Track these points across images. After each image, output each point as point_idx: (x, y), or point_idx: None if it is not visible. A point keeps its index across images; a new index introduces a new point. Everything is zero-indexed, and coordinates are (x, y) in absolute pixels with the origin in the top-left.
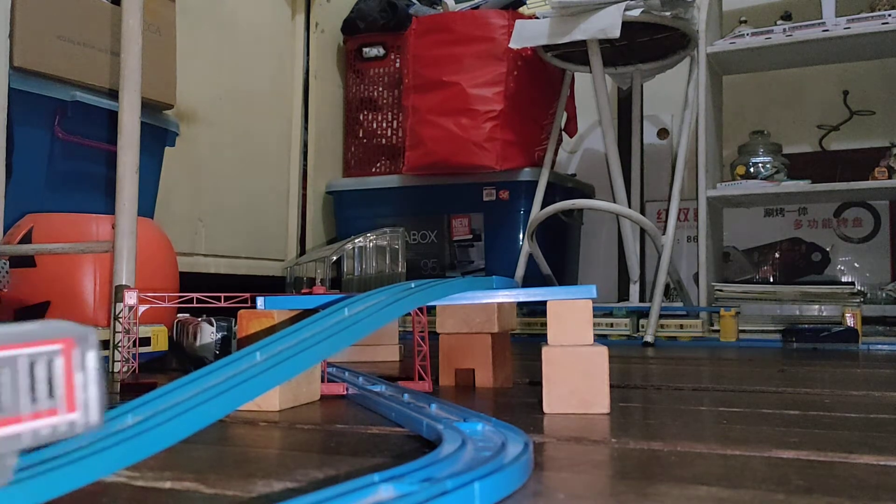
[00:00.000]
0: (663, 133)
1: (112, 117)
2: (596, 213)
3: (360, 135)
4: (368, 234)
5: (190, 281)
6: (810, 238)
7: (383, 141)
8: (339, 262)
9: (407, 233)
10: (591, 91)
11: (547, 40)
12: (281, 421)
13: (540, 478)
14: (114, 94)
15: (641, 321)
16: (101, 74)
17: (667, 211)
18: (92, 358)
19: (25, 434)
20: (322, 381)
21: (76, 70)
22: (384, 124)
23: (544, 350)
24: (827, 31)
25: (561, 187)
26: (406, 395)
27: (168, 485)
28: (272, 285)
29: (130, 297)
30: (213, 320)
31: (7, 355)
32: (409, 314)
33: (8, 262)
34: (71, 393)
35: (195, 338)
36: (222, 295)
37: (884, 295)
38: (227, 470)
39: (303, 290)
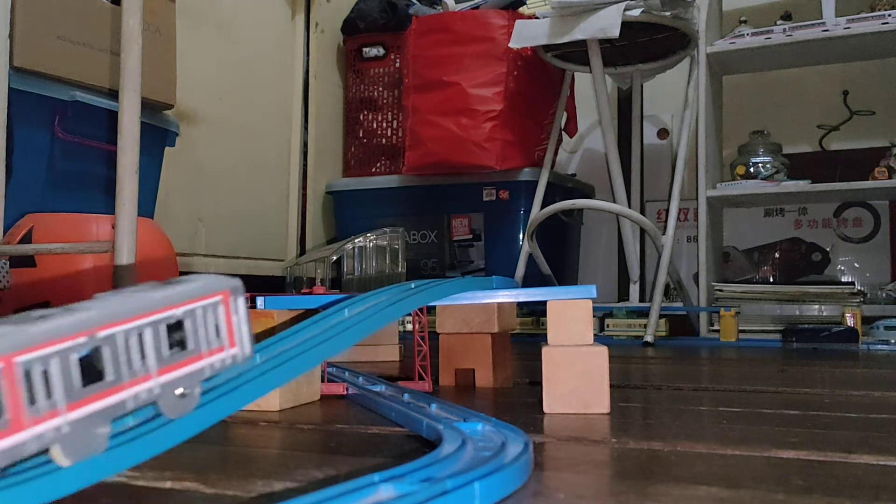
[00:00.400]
0: (663, 133)
1: (112, 117)
2: (596, 213)
3: (360, 135)
4: (368, 234)
5: None
6: (810, 238)
7: (383, 141)
8: (339, 262)
9: (407, 233)
10: (591, 91)
11: (547, 40)
12: (281, 421)
13: (540, 478)
14: (114, 94)
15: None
16: (101, 74)
17: (667, 211)
18: (241, 304)
19: (206, 368)
20: (322, 380)
21: (76, 70)
22: (384, 124)
23: (544, 350)
24: (827, 31)
25: (561, 187)
26: (406, 395)
27: (168, 484)
28: (272, 285)
29: None
30: None
31: (189, 308)
32: (409, 314)
33: (8, 262)
34: (231, 332)
35: None
36: None
37: (884, 295)
38: (227, 470)
39: (303, 291)
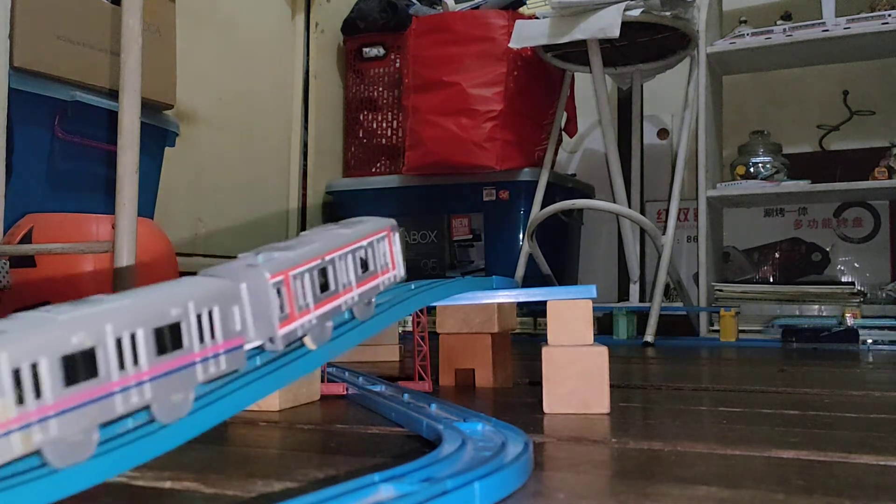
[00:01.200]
0: (663, 133)
1: (112, 117)
2: (596, 213)
3: (360, 135)
4: None
5: None
6: (810, 238)
7: (383, 141)
8: None
9: (407, 233)
10: (590, 91)
11: (547, 40)
12: (281, 421)
13: (540, 478)
14: (114, 95)
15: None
16: (102, 74)
17: (667, 211)
18: (397, 238)
19: (380, 284)
20: (322, 381)
21: (76, 70)
22: (384, 124)
23: (544, 350)
24: (827, 31)
25: (561, 187)
26: (406, 395)
27: (168, 484)
28: None
29: None
30: None
31: (368, 241)
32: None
33: (8, 262)
34: (392, 258)
35: None
36: None
37: (884, 295)
38: (227, 470)
39: None
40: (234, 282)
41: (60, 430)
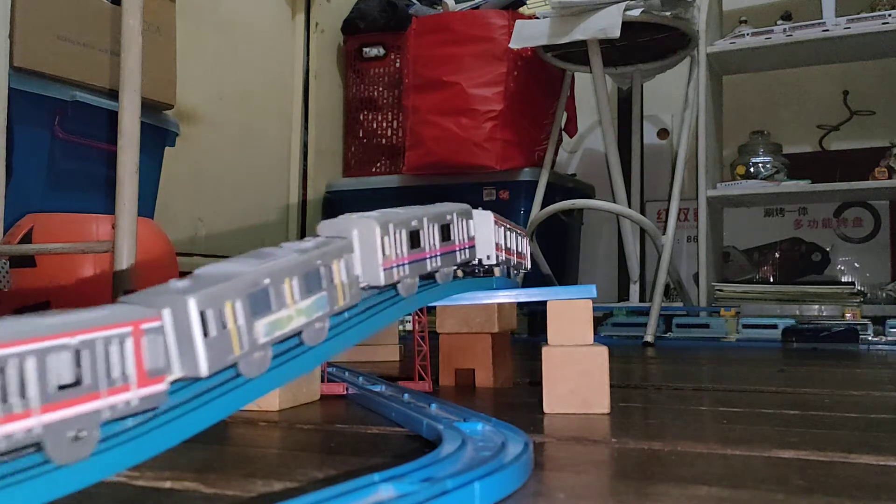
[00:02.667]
0: (663, 133)
1: (112, 117)
2: (596, 213)
3: (360, 135)
4: None
5: None
6: (810, 238)
7: (383, 141)
8: None
9: None
10: (591, 91)
11: (547, 40)
12: (281, 421)
13: (540, 478)
14: (114, 94)
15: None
16: (102, 74)
17: (667, 211)
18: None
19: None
20: (322, 380)
21: (76, 70)
22: (384, 124)
23: (544, 350)
24: (827, 31)
25: (561, 187)
26: (406, 395)
27: (168, 484)
28: None
29: None
30: None
31: (453, 217)
32: (409, 314)
33: (8, 262)
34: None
35: None
36: None
37: (884, 295)
38: (226, 470)
39: None
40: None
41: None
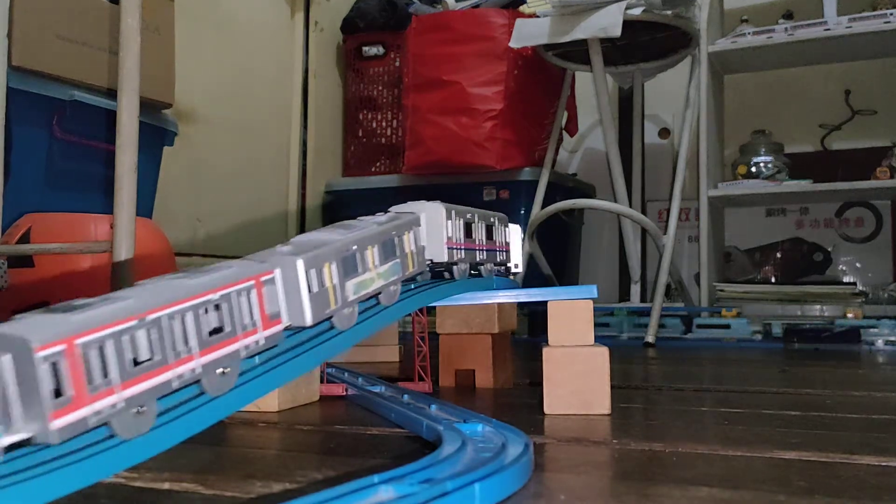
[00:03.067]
0: (664, 132)
1: (110, 117)
2: (597, 212)
3: (360, 134)
4: None
5: None
6: (812, 238)
7: (383, 140)
8: None
9: None
10: (591, 90)
11: (547, 39)
12: (280, 422)
13: (540, 479)
14: (112, 94)
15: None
16: (100, 74)
17: (668, 210)
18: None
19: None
20: (321, 381)
21: (75, 69)
22: (384, 123)
23: (545, 350)
24: (829, 30)
25: (561, 187)
26: (406, 396)
27: (167, 485)
28: None
29: None
30: None
31: (493, 220)
32: (409, 314)
33: (6, 262)
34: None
35: None
36: None
37: (886, 295)
38: (225, 471)
39: None
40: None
41: (466, 256)
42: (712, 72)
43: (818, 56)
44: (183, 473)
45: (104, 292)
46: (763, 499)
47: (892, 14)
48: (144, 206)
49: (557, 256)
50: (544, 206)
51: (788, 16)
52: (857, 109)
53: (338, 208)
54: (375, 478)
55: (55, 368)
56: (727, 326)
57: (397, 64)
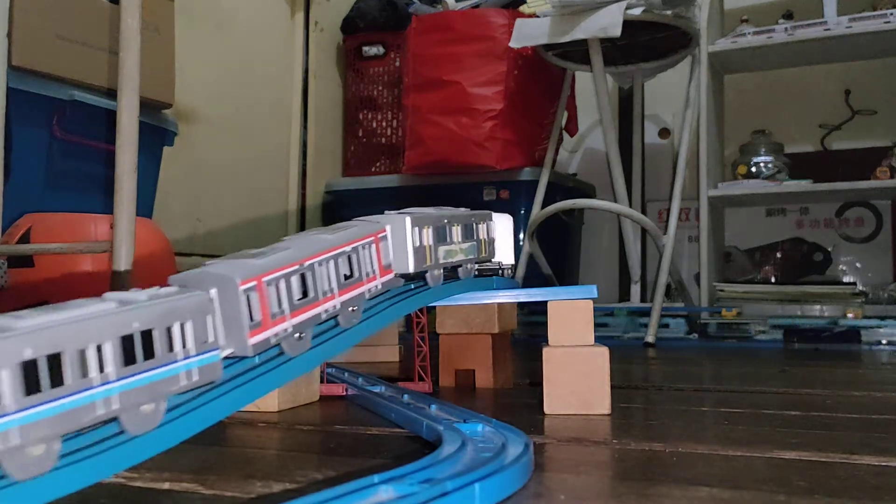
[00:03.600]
0: (664, 132)
1: (110, 117)
2: (597, 212)
3: (360, 134)
4: None
5: None
6: (812, 238)
7: (383, 140)
8: None
9: None
10: (591, 90)
11: (547, 39)
12: (280, 422)
13: (540, 479)
14: (112, 94)
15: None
16: (100, 74)
17: (668, 210)
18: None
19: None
20: (321, 381)
21: (75, 69)
22: (384, 123)
23: (545, 350)
24: (829, 30)
25: (561, 187)
26: (406, 396)
27: (166, 485)
28: None
29: None
30: None
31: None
32: (409, 314)
33: (6, 262)
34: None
35: None
36: None
37: (886, 295)
38: (225, 471)
39: None
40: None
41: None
42: (712, 72)
43: (818, 56)
44: (183, 473)
45: (104, 292)
46: (763, 499)
47: (892, 14)
48: (144, 206)
49: (557, 256)
50: (544, 206)
51: (788, 16)
52: (857, 109)
53: (338, 208)
54: (375, 478)
55: (249, 299)
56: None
57: (397, 64)
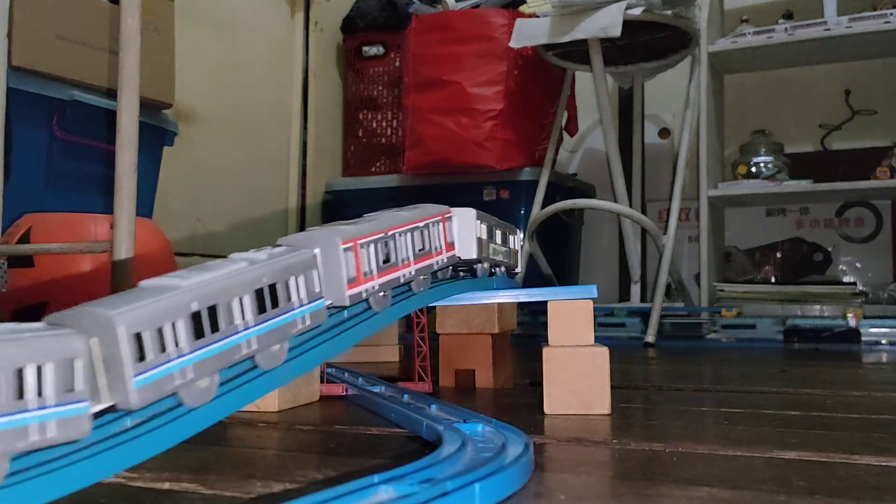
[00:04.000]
0: (664, 132)
1: (110, 117)
2: (597, 212)
3: (360, 134)
4: None
5: None
6: (812, 238)
7: (383, 140)
8: None
9: None
10: (591, 90)
11: (547, 39)
12: (280, 422)
13: (540, 479)
14: (112, 94)
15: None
16: (100, 74)
17: (668, 210)
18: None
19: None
20: (321, 381)
21: (75, 69)
22: (384, 123)
23: (545, 350)
24: (829, 29)
25: (561, 187)
26: (406, 396)
27: (166, 486)
28: None
29: None
30: None
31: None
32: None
33: (6, 262)
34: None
35: None
36: None
37: (886, 295)
38: (225, 471)
39: None
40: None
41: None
42: (712, 72)
43: (818, 56)
44: (183, 473)
45: (104, 292)
46: (763, 499)
47: (892, 14)
48: (144, 206)
49: (557, 256)
50: (544, 206)
51: (788, 16)
52: (857, 109)
53: (338, 208)
54: (375, 478)
55: (347, 258)
56: (753, 327)
57: (397, 64)
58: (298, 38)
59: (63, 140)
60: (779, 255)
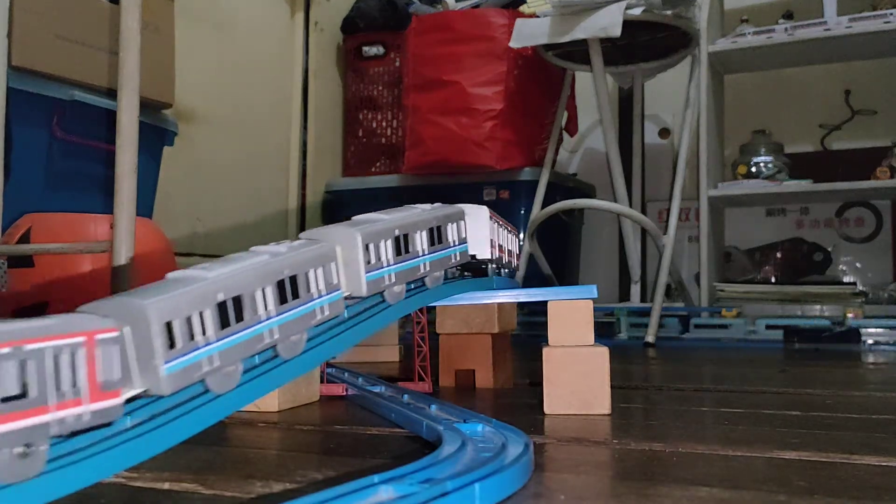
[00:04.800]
0: (664, 132)
1: (110, 117)
2: (597, 213)
3: (360, 134)
4: None
5: None
6: (812, 238)
7: (383, 140)
8: None
9: None
10: (591, 90)
11: (547, 39)
12: (280, 422)
13: (540, 479)
14: (112, 94)
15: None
16: (100, 74)
17: (668, 211)
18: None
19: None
20: (321, 381)
21: (75, 69)
22: (384, 123)
23: (545, 350)
24: (829, 29)
25: (561, 187)
26: (406, 396)
27: (167, 486)
28: None
29: None
30: None
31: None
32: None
33: (6, 262)
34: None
35: None
36: None
37: (886, 295)
38: (225, 471)
39: None
40: None
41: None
42: (712, 72)
43: (818, 56)
44: (183, 473)
45: (104, 292)
46: (763, 499)
47: (892, 14)
48: (144, 206)
49: (557, 256)
50: (544, 206)
51: (788, 16)
52: (857, 109)
53: (338, 208)
54: (375, 478)
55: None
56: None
57: (397, 64)
58: (298, 38)
59: (63, 140)
60: (779, 255)
